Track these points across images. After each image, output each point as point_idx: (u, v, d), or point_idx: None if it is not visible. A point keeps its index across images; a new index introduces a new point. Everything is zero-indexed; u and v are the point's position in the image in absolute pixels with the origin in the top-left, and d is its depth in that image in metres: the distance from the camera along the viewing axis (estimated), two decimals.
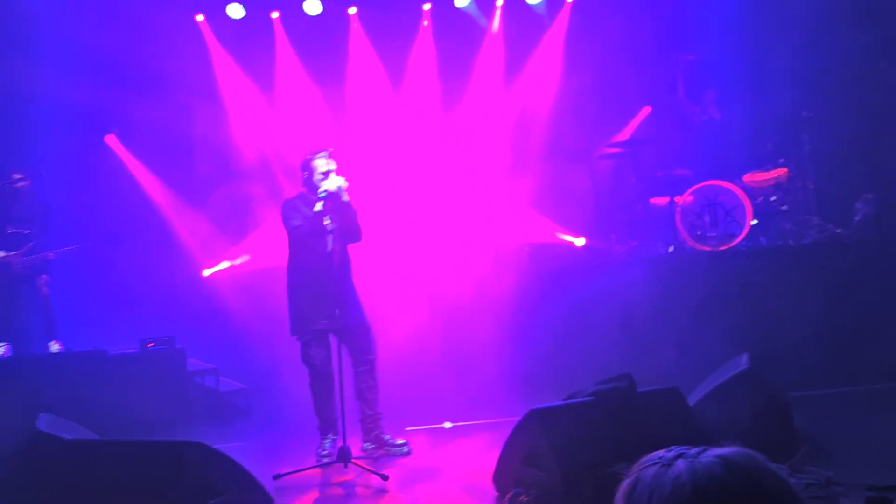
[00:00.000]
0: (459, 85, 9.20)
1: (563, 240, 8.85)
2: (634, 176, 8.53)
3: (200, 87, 9.20)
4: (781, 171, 7.72)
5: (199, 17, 9.01)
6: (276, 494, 4.43)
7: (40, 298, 7.34)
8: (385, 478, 4.64)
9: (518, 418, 4.19)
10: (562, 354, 6.77)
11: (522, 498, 3.96)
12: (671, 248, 7.61)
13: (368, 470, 4.76)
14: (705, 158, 8.01)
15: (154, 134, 8.97)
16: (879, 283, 6.59)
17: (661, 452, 1.17)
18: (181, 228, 9.04)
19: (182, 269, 8.85)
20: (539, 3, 9.28)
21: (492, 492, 4.27)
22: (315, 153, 5.54)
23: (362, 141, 8.54)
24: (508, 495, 4.06)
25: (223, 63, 9.15)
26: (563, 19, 9.20)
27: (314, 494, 4.78)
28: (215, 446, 4.10)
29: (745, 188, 7.52)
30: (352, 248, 5.64)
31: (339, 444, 5.03)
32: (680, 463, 1.12)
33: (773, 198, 7.71)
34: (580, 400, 4.19)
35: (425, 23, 9.22)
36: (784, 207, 7.71)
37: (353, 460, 4.83)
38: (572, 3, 9.16)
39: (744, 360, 4.72)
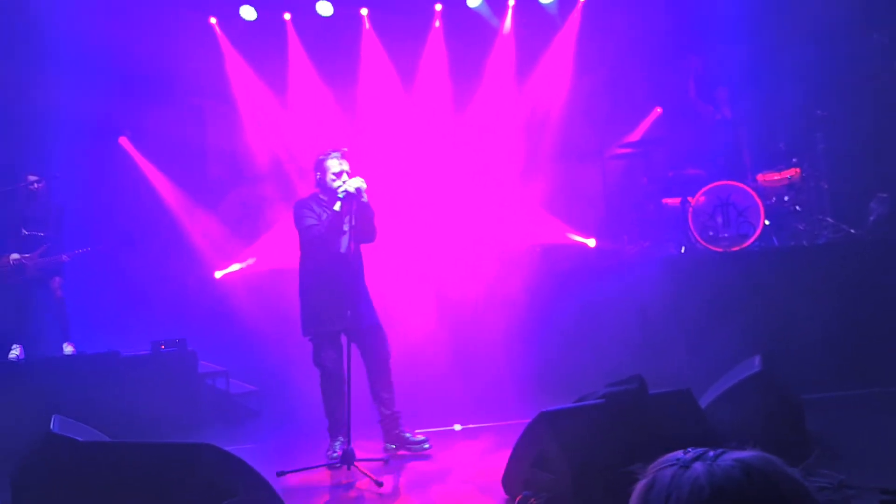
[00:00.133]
0: (471, 85, 9.20)
1: (574, 240, 8.83)
2: (646, 176, 8.51)
3: (213, 89, 9.26)
4: (794, 171, 7.67)
5: (212, 20, 9.06)
6: (285, 496, 4.43)
7: (54, 300, 7.39)
8: (379, 484, 4.62)
9: (528, 420, 4.17)
10: (572, 356, 6.76)
11: (532, 501, 3.95)
12: (683, 249, 7.57)
13: (366, 474, 4.75)
14: (717, 158, 7.97)
15: (167, 136, 9.03)
16: (894, 284, 6.53)
17: (678, 453, 1.16)
18: (193, 230, 9.09)
19: (194, 271, 8.90)
20: (551, 3, 9.26)
21: (501, 494, 4.25)
22: (328, 154, 5.55)
23: (374, 142, 8.56)
24: (518, 498, 4.05)
25: (235, 65, 9.20)
26: (574, 19, 9.19)
27: (324, 497, 4.78)
28: (226, 448, 4.11)
29: (757, 188, 7.47)
30: (363, 249, 5.65)
31: (362, 444, 5.04)
32: (698, 465, 1.11)
33: (786, 198, 7.66)
34: (591, 402, 4.16)
35: (437, 23, 9.23)
36: (797, 207, 7.65)
37: (355, 463, 4.82)
38: (584, 2, 9.14)
39: (756, 362, 4.69)
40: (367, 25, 9.20)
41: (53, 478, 3.88)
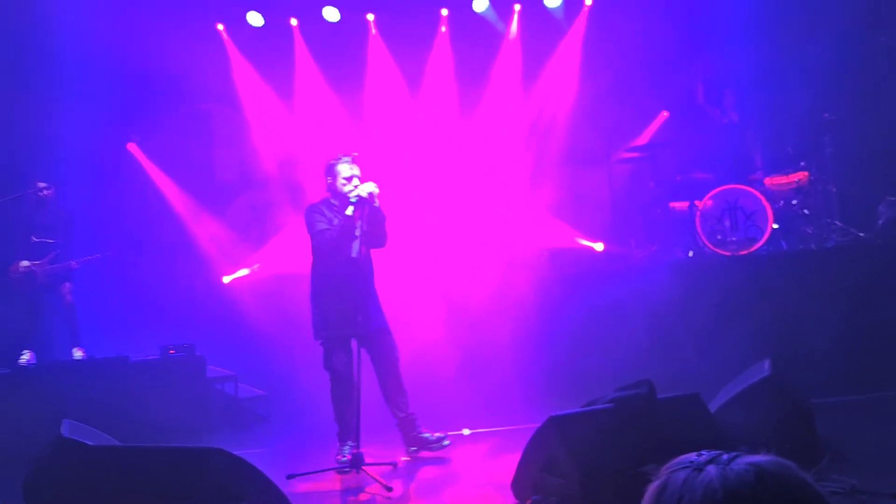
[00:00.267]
0: (477, 90, 9.22)
1: (581, 245, 8.82)
2: (653, 180, 8.51)
3: (220, 95, 9.30)
4: (803, 175, 7.65)
5: (220, 26, 9.10)
6: (294, 500, 4.44)
7: (64, 306, 7.42)
8: (389, 489, 4.62)
9: (537, 425, 4.17)
10: (581, 360, 6.74)
11: None
12: (691, 253, 7.56)
13: (375, 479, 4.76)
14: (725, 162, 7.95)
15: (175, 141, 9.08)
16: None
17: (691, 456, 1.16)
18: (201, 235, 9.12)
19: (202, 276, 8.93)
20: (557, 7, 9.27)
21: (511, 499, 4.25)
22: (339, 158, 5.55)
23: (380, 146, 8.57)
24: (528, 502, 4.04)
25: (243, 70, 9.23)
26: (580, 23, 9.19)
27: (334, 501, 4.78)
28: (235, 452, 4.11)
29: (765, 192, 7.46)
30: (373, 254, 5.66)
31: (372, 448, 5.05)
32: (711, 469, 1.11)
33: (794, 201, 7.64)
34: (600, 407, 4.16)
35: (443, 28, 9.24)
36: (805, 211, 7.64)
37: (364, 467, 4.82)
38: (590, 6, 9.14)
39: (765, 367, 4.67)
40: (374, 31, 9.23)
41: (64, 481, 3.89)
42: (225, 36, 9.16)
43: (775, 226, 7.27)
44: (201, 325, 7.99)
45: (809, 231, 7.59)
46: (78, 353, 7.32)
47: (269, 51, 9.16)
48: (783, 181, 7.70)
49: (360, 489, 4.83)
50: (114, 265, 7.84)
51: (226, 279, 8.95)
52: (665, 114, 9.28)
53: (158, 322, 8.00)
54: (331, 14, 9.00)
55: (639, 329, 6.51)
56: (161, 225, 8.96)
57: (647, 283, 6.83)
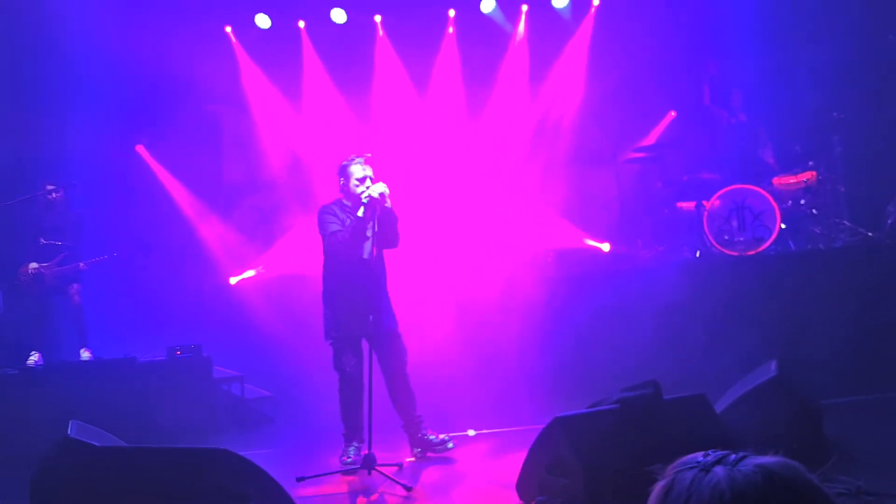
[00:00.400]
0: (484, 90, 9.21)
1: (588, 245, 8.80)
2: (661, 180, 8.49)
3: (228, 97, 9.34)
4: (811, 174, 7.61)
5: (228, 28, 9.13)
6: (305, 502, 4.46)
7: (71, 307, 7.45)
8: (408, 489, 4.64)
9: (542, 426, 4.16)
10: (586, 361, 6.73)
11: None
12: (698, 253, 7.53)
13: (391, 479, 4.75)
14: (733, 162, 7.93)
15: (183, 143, 9.11)
16: None
17: (698, 456, 1.16)
18: (209, 237, 9.15)
19: (209, 277, 8.95)
20: (564, 8, 9.25)
21: (516, 499, 4.24)
22: (351, 159, 5.55)
23: (388, 147, 8.57)
24: (533, 503, 4.04)
25: (251, 72, 9.26)
26: (588, 23, 9.18)
27: (345, 502, 4.78)
28: (241, 453, 4.12)
29: (773, 192, 7.43)
30: (385, 255, 5.66)
31: (365, 451, 5.05)
32: (719, 469, 1.11)
33: (802, 201, 7.60)
34: (605, 407, 4.15)
35: (450, 29, 9.24)
36: (814, 211, 7.60)
37: (378, 468, 4.83)
38: (597, 6, 9.12)
39: (772, 367, 4.65)
40: (381, 32, 9.24)
41: (71, 482, 3.91)
42: (233, 38, 9.18)
43: (783, 226, 7.24)
44: (208, 326, 8.01)
45: (818, 231, 7.56)
46: (85, 355, 7.35)
47: (276, 53, 9.18)
48: (791, 181, 7.66)
49: (370, 489, 4.83)
50: (122, 267, 7.87)
51: (233, 280, 8.97)
52: (672, 114, 9.26)
53: (165, 323, 8.03)
54: (338, 16, 9.01)
55: (645, 329, 6.49)
56: (169, 226, 8.99)
57: (654, 284, 6.81)
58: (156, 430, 6.06)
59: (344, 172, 5.54)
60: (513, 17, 9.31)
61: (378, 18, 9.22)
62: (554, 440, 4.07)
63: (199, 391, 7.02)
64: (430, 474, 5.12)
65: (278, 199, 9.37)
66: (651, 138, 9.13)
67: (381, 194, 5.23)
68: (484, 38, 9.28)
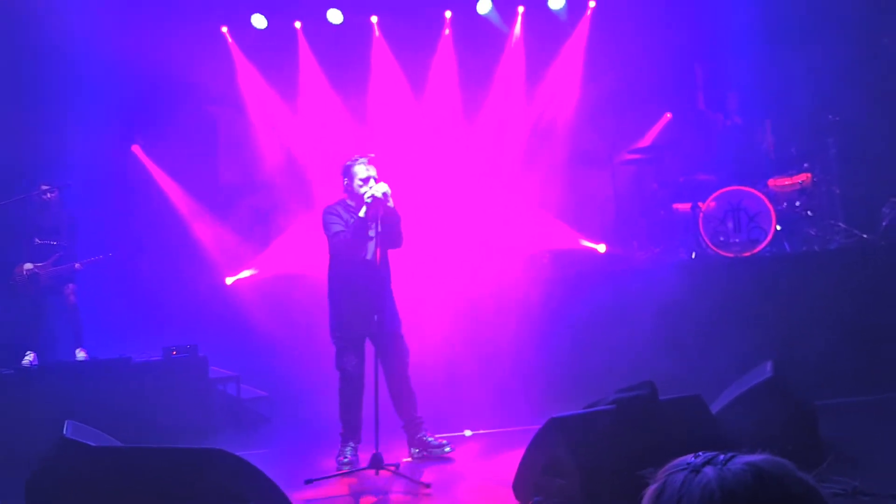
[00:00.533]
0: (481, 92, 9.21)
1: (584, 246, 8.81)
2: (656, 182, 8.50)
3: (224, 97, 9.32)
4: (806, 176, 7.63)
5: (224, 28, 9.11)
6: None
7: (67, 307, 7.43)
8: (427, 486, 4.68)
9: (538, 426, 4.17)
10: (582, 362, 6.73)
11: None
12: (694, 255, 7.54)
13: (410, 479, 4.77)
14: (728, 163, 7.94)
15: (179, 144, 9.09)
16: None
17: (689, 458, 1.16)
18: (205, 237, 9.14)
19: (205, 278, 8.94)
20: (561, 9, 9.26)
21: (512, 499, 4.24)
22: (355, 159, 5.55)
23: (384, 149, 8.56)
24: (529, 503, 4.04)
25: (247, 73, 9.25)
26: (584, 25, 9.18)
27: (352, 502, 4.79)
28: (237, 453, 4.12)
29: (769, 193, 7.44)
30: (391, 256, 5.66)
31: (362, 451, 5.04)
32: (709, 470, 1.11)
33: (797, 203, 7.62)
34: (601, 408, 4.16)
35: (447, 31, 9.24)
36: (809, 213, 7.62)
37: (384, 467, 4.84)
38: (594, 8, 9.13)
39: (768, 368, 4.66)
40: (377, 33, 9.23)
41: (66, 482, 3.91)
42: (229, 38, 9.16)
43: (778, 227, 7.26)
44: (204, 326, 8.01)
45: (813, 233, 7.58)
46: (81, 355, 7.33)
47: (273, 53, 9.16)
48: (787, 182, 7.68)
49: (372, 490, 4.82)
50: (117, 267, 7.86)
51: (229, 280, 8.96)
52: (668, 115, 9.27)
53: (161, 323, 8.02)
54: (335, 16, 9.00)
55: (641, 331, 6.49)
56: (164, 227, 8.98)
57: (650, 285, 6.82)
58: (152, 430, 6.06)
59: (348, 173, 5.54)
60: (509, 18, 9.30)
61: (374, 19, 9.21)
62: (550, 441, 4.07)
63: (195, 391, 7.02)
64: (428, 475, 5.11)
65: (274, 200, 9.37)
66: (647, 140, 9.14)
67: (384, 194, 5.23)
68: (480, 39, 9.27)
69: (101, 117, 8.25)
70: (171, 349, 7.14)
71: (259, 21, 9.01)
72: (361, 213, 5.27)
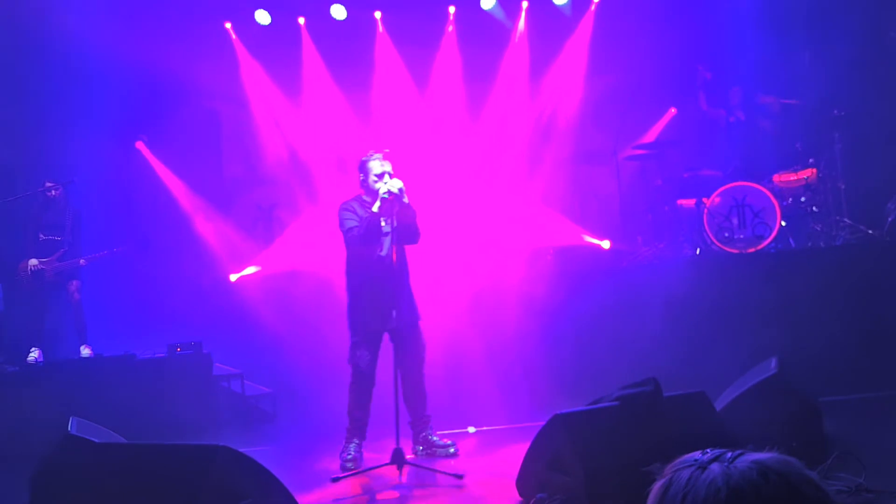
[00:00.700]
0: (484, 87, 9.21)
1: (588, 242, 8.80)
2: (661, 177, 8.49)
3: (228, 93, 9.32)
4: (811, 172, 7.60)
5: (227, 24, 9.12)
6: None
7: (71, 303, 7.45)
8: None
9: (542, 423, 4.16)
10: (586, 358, 6.73)
11: (547, 503, 3.93)
12: (698, 251, 7.53)
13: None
14: (733, 159, 7.92)
15: (183, 140, 9.10)
16: None
17: (696, 454, 1.16)
18: (209, 233, 9.14)
19: (209, 274, 8.95)
20: (565, 4, 9.23)
21: (516, 496, 4.24)
22: (370, 155, 5.54)
23: (388, 144, 8.55)
24: (533, 500, 4.04)
25: (250, 69, 9.25)
26: (588, 20, 9.16)
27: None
28: (241, 450, 4.12)
29: (774, 189, 7.42)
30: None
31: (364, 449, 5.04)
32: (715, 467, 1.11)
33: (802, 199, 7.59)
34: (605, 404, 4.15)
35: (450, 27, 9.23)
36: (814, 208, 7.59)
37: (406, 462, 4.85)
38: (598, 2, 9.10)
39: (772, 365, 4.65)
40: (381, 28, 9.22)
41: (71, 479, 3.91)
42: (233, 34, 9.17)
43: (783, 223, 7.24)
44: (208, 322, 8.02)
45: (818, 228, 7.55)
46: (85, 351, 7.35)
47: (276, 49, 9.17)
48: (792, 178, 7.65)
49: (399, 485, 4.82)
50: (121, 264, 7.87)
51: (233, 277, 8.97)
52: (673, 111, 9.25)
53: (165, 320, 8.03)
54: (338, 12, 9.00)
55: (646, 327, 6.49)
56: (169, 223, 8.99)
57: (654, 281, 6.81)
58: (156, 426, 6.06)
59: (363, 168, 5.53)
60: (513, 13, 9.29)
61: (378, 15, 9.21)
62: (554, 437, 4.07)
63: (200, 388, 7.02)
64: (428, 472, 5.10)
65: (278, 196, 9.38)
66: (651, 135, 9.12)
67: (400, 190, 5.21)
68: (484, 34, 9.26)
69: (105, 113, 8.25)
70: (176, 346, 7.15)
71: (263, 17, 9.02)
72: (375, 208, 5.26)
